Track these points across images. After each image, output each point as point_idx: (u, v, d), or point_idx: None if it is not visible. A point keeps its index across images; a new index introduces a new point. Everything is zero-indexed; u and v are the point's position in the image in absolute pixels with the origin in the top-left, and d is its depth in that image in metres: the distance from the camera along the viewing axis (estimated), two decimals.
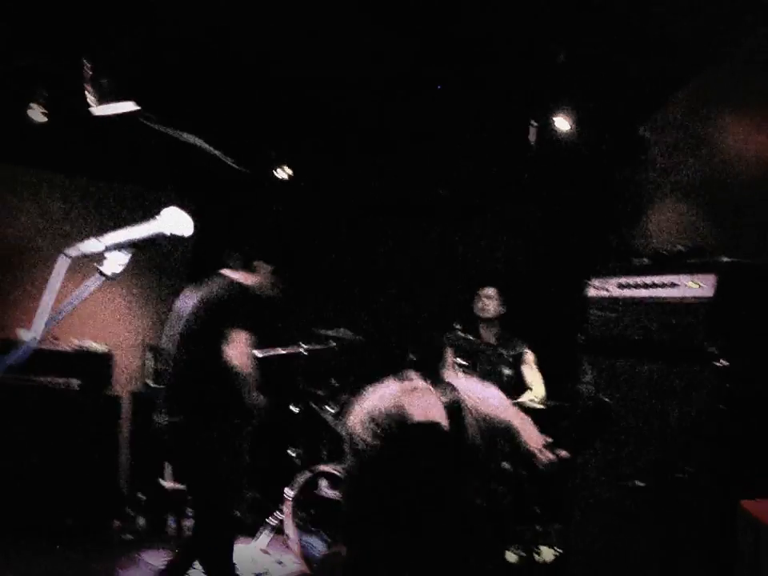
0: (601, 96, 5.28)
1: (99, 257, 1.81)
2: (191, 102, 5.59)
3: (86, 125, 5.40)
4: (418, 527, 3.04)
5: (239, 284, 4.00)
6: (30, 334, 4.89)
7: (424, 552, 3.07)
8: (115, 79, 4.77)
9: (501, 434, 3.19)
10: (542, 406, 5.04)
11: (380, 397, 3.23)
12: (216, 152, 6.25)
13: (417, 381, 3.21)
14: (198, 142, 6.01)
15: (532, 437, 3.13)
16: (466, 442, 3.09)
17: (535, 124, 5.56)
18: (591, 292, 3.95)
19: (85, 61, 4.69)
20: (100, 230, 1.84)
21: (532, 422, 3.23)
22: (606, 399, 3.17)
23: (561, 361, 4.64)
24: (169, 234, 1.86)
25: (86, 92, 4.72)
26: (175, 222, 1.86)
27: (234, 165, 6.30)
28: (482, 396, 3.21)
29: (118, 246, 1.81)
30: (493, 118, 5.62)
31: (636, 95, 5.22)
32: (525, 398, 5.12)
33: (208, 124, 5.96)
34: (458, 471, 3.12)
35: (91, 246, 1.78)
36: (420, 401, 3.11)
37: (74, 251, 1.77)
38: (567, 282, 4.33)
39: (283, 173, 6.40)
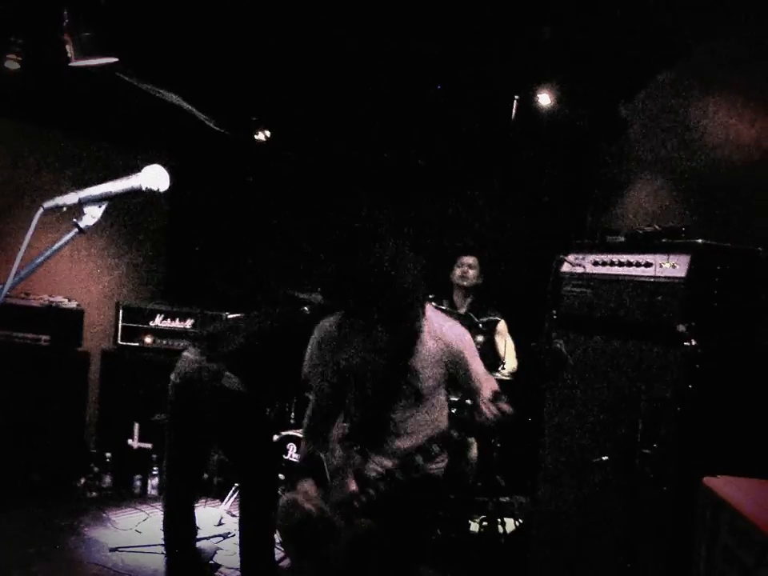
0: (584, 73, 5.28)
1: (75, 209, 1.78)
2: (172, 60, 5.51)
3: (64, 77, 5.32)
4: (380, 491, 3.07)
5: None
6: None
7: (386, 522, 3.09)
8: (96, 32, 4.67)
9: (454, 365, 3.18)
10: (508, 378, 5.08)
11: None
12: (195, 111, 6.18)
13: None
14: (177, 100, 5.93)
15: (484, 384, 3.14)
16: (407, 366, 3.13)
17: (517, 98, 5.57)
18: (565, 267, 3.96)
19: (65, 11, 4.60)
20: (73, 185, 1.82)
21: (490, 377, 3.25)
22: (559, 345, 3.17)
23: (532, 335, 4.68)
24: (145, 189, 1.84)
25: (66, 43, 4.63)
26: (153, 177, 1.84)
27: (212, 125, 6.23)
28: (448, 326, 3.23)
29: (94, 200, 1.79)
30: (475, 90, 5.61)
31: (619, 74, 5.23)
32: (498, 373, 5.17)
33: (188, 82, 5.89)
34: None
35: (67, 198, 1.75)
36: None
37: (50, 203, 1.74)
38: (542, 257, 4.34)
39: (262, 135, 6.36)
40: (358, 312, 3.10)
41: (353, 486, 3.10)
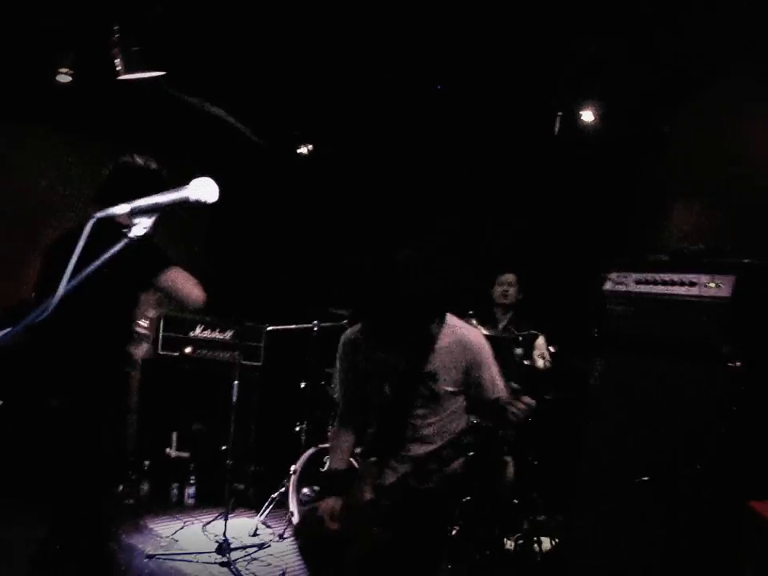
0: (627, 90, 5.26)
1: (125, 220, 1.81)
2: (216, 74, 5.59)
3: (111, 90, 5.43)
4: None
5: None
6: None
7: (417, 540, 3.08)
8: (144, 46, 4.76)
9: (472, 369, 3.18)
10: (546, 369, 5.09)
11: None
12: (238, 124, 6.26)
13: None
14: (221, 113, 6.01)
15: (498, 383, 3.14)
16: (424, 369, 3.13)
17: (560, 114, 5.56)
18: (608, 286, 3.93)
19: (115, 26, 4.69)
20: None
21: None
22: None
23: (573, 353, 4.65)
24: (193, 200, 1.87)
25: (115, 57, 4.72)
26: (202, 189, 1.86)
27: (256, 139, 6.30)
28: (466, 327, 3.25)
29: (144, 210, 1.81)
30: (518, 106, 5.61)
31: (662, 90, 5.19)
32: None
33: (232, 96, 5.97)
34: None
35: (119, 209, 1.79)
36: None
37: (102, 213, 1.77)
38: (585, 275, 4.31)
39: (305, 148, 6.41)
40: (374, 317, 3.15)
41: (368, 496, 3.10)
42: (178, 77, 5.38)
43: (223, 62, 5.41)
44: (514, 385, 3.08)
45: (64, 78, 5.37)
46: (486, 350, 3.22)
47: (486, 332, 5.25)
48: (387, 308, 3.07)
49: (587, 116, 5.51)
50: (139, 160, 3.71)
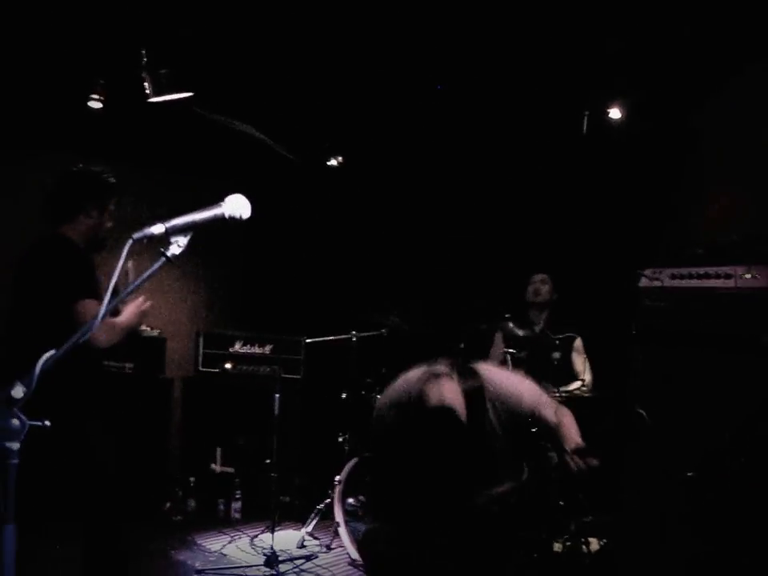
0: (654, 84, 5.23)
1: (162, 239, 1.86)
2: (244, 92, 5.65)
3: (141, 114, 5.52)
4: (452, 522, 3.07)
5: None
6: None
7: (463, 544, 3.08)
8: (172, 68, 4.84)
9: (525, 425, 3.17)
10: (589, 395, 5.03)
11: (404, 381, 3.29)
12: (268, 141, 6.32)
13: (441, 367, 3.22)
14: (249, 129, 6.08)
15: (566, 435, 3.12)
16: (485, 429, 3.10)
17: (587, 113, 5.54)
18: (643, 282, 3.91)
19: (143, 51, 4.78)
20: (152, 216, 1.89)
21: (571, 419, 3.21)
22: (641, 411, 3.12)
23: (611, 350, 4.62)
24: (228, 217, 1.91)
25: (144, 81, 4.81)
26: (236, 205, 1.91)
27: (285, 153, 6.36)
28: (505, 383, 3.22)
29: (180, 229, 1.86)
30: (545, 106, 5.60)
31: (689, 83, 5.16)
32: (573, 387, 5.12)
33: (260, 113, 6.03)
34: (479, 462, 3.12)
35: (155, 229, 1.83)
36: (439, 386, 3.12)
37: (138, 234, 1.82)
38: (619, 272, 4.29)
39: (335, 161, 6.46)
40: None
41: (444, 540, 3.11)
42: (206, 97, 5.45)
43: (249, 79, 5.48)
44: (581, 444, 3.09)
45: (95, 103, 5.47)
46: (538, 395, 3.22)
47: (521, 333, 5.25)
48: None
49: (614, 113, 5.48)
50: (80, 166, 3.73)
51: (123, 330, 3.68)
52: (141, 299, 3.71)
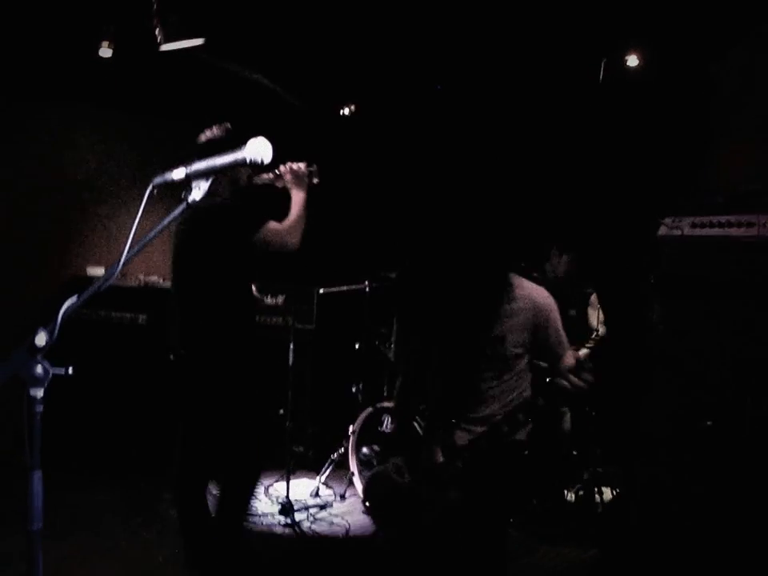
0: (673, 31, 5.12)
1: (183, 184, 1.82)
2: (255, 39, 5.56)
3: (152, 62, 5.44)
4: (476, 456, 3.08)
5: None
6: (99, 270, 4.95)
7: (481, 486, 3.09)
8: (182, 15, 4.76)
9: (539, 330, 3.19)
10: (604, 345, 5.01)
11: None
12: (279, 89, 6.23)
13: None
14: (262, 79, 5.99)
15: (568, 354, 3.17)
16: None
17: (604, 60, 5.44)
18: (663, 231, 3.86)
19: None
20: (162, 166, 1.86)
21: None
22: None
23: (629, 301, 4.58)
24: (249, 161, 1.87)
25: (155, 28, 4.73)
26: (257, 149, 1.86)
27: (296, 102, 6.27)
28: (530, 287, 3.26)
29: (201, 174, 1.82)
30: (561, 52, 5.50)
31: (710, 29, 5.05)
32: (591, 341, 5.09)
33: (271, 61, 5.94)
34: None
35: (176, 173, 1.79)
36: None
37: (159, 179, 1.79)
38: (637, 222, 4.24)
39: (347, 109, 6.37)
40: (439, 280, 3.19)
41: (439, 458, 3.12)
42: (216, 45, 5.36)
43: (260, 27, 5.38)
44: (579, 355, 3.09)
45: (105, 51, 5.39)
46: (555, 310, 3.28)
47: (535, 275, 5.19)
48: (452, 269, 3.11)
49: (632, 60, 5.38)
50: (217, 131, 3.80)
51: (298, 211, 3.84)
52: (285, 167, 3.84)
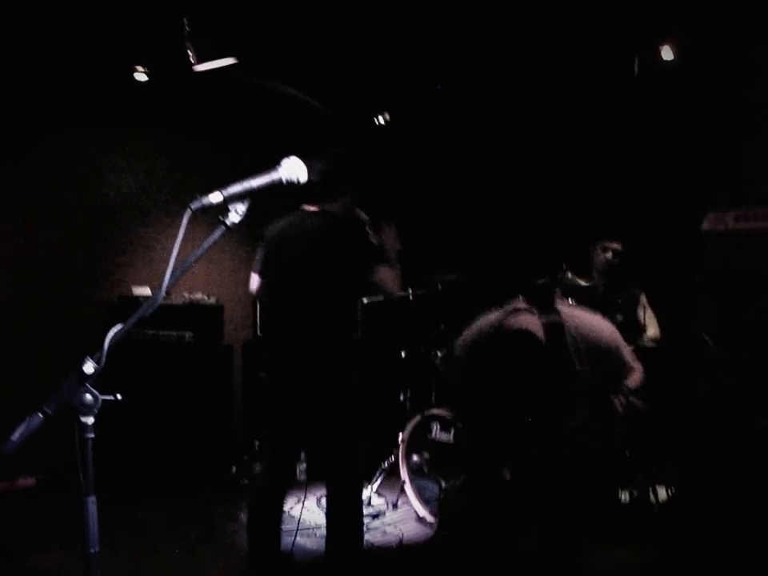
0: (708, 19, 5.03)
1: (220, 207, 1.83)
2: (288, 55, 5.60)
3: (186, 83, 5.52)
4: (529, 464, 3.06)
5: None
6: (144, 289, 5.08)
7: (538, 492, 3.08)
8: (213, 36, 4.82)
9: (604, 359, 3.13)
10: (655, 346, 4.93)
11: (484, 319, 3.30)
12: (314, 102, 6.27)
13: (520, 303, 3.22)
14: (296, 93, 6.03)
15: (632, 377, 3.11)
16: (564, 358, 3.07)
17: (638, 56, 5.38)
18: (706, 226, 3.81)
19: (185, 20, 4.76)
20: (202, 186, 1.88)
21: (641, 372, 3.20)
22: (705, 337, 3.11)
23: (677, 299, 4.51)
24: (285, 181, 1.88)
25: (187, 50, 4.80)
26: (292, 169, 1.88)
27: (331, 114, 6.30)
28: (586, 320, 3.19)
29: (238, 196, 1.83)
30: (594, 50, 5.44)
31: (748, 15, 4.95)
32: (641, 340, 5.01)
33: (304, 76, 5.99)
34: (558, 395, 3.10)
35: (213, 197, 1.81)
36: (518, 318, 3.12)
37: (197, 203, 1.80)
38: (680, 217, 4.18)
39: (382, 118, 6.37)
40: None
41: (507, 476, 3.12)
42: (249, 62, 5.42)
43: (291, 41, 5.42)
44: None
45: (141, 76, 5.49)
46: (613, 340, 3.21)
47: (583, 283, 5.13)
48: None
49: (666, 53, 5.30)
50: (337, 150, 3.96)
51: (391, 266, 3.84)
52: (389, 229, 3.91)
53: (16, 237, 6.10)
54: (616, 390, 3.11)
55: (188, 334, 6.16)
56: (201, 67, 4.94)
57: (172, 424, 5.99)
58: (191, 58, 4.89)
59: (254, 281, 4.07)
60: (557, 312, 3.14)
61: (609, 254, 5.25)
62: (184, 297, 6.37)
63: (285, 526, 5.02)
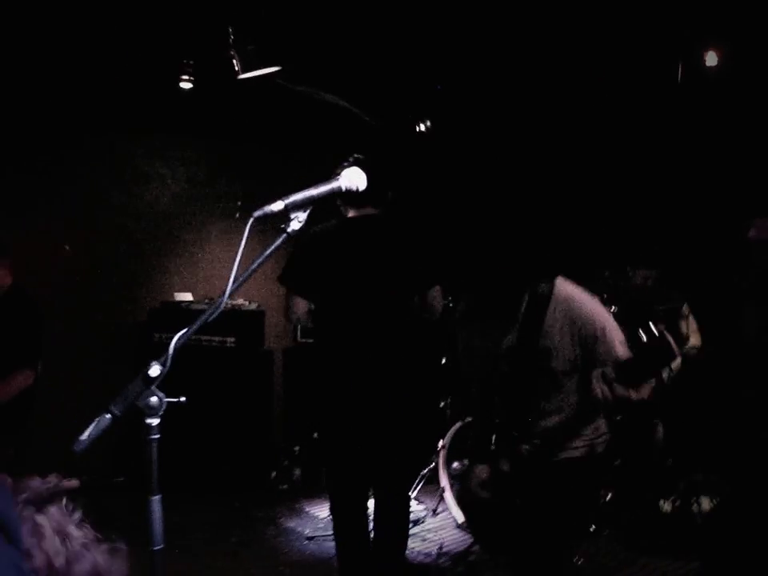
0: (752, 26, 4.99)
1: (281, 216, 1.87)
2: (330, 63, 5.66)
3: (231, 91, 5.59)
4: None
5: None
6: (186, 295, 5.06)
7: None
8: (258, 44, 4.88)
9: (589, 337, 3.05)
10: (697, 354, 4.90)
11: None
12: (352, 108, 6.31)
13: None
14: (339, 101, 6.08)
15: (618, 349, 3.03)
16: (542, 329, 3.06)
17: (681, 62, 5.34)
18: (753, 233, 3.78)
19: (229, 28, 4.82)
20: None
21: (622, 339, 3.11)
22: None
23: (721, 308, 4.47)
24: (345, 190, 1.91)
25: (233, 59, 4.86)
26: (353, 177, 1.91)
27: (373, 122, 6.34)
28: (582, 300, 3.14)
29: (299, 205, 1.87)
30: (637, 56, 5.42)
31: None
32: (683, 349, 4.96)
33: (345, 84, 6.03)
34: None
35: (275, 206, 1.84)
36: None
37: (259, 212, 1.84)
38: (724, 225, 4.15)
39: (423, 126, 6.40)
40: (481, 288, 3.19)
41: (505, 468, 3.12)
42: (291, 70, 5.47)
43: (332, 48, 5.47)
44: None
45: (186, 84, 5.57)
46: (599, 321, 3.06)
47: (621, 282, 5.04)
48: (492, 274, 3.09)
49: (711, 59, 5.26)
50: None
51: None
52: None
53: (63, 241, 6.20)
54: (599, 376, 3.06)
55: (230, 340, 6.22)
56: (245, 75, 4.99)
57: (213, 429, 6.05)
58: (236, 66, 4.94)
59: (300, 304, 3.82)
60: (551, 285, 3.10)
61: (646, 281, 5.12)
62: (226, 303, 6.40)
63: (326, 532, 5.10)
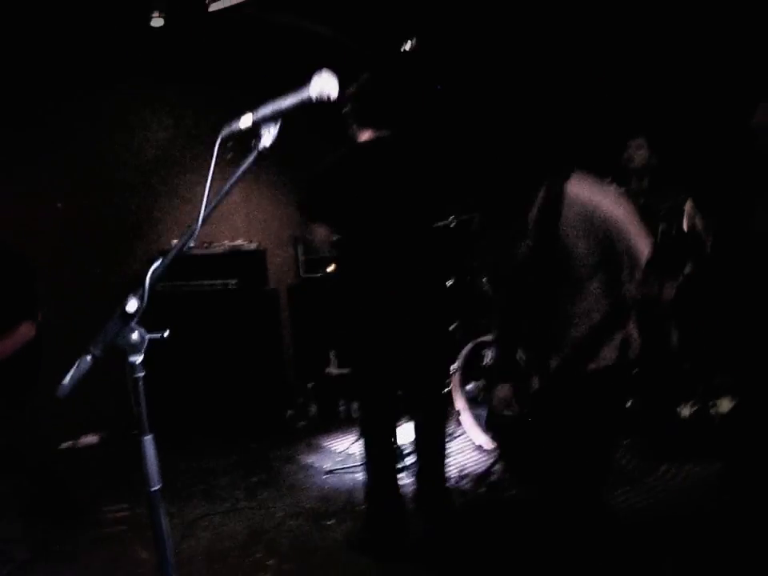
0: None
1: (251, 132, 1.75)
2: None
3: (204, 26, 5.42)
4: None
5: None
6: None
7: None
8: None
9: (610, 240, 2.85)
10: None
11: None
12: (336, 35, 6.13)
13: None
14: (315, 27, 5.90)
15: (642, 247, 2.81)
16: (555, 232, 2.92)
17: None
18: (758, 118, 3.59)
19: None
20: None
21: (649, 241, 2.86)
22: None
23: (728, 202, 4.31)
24: (315, 99, 1.78)
25: None
26: (322, 85, 1.77)
27: (354, 44, 6.15)
28: (596, 193, 2.93)
29: (268, 118, 1.75)
30: None
31: None
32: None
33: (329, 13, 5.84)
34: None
35: (242, 121, 1.73)
36: None
37: (226, 130, 1.73)
38: (728, 112, 3.97)
39: (408, 44, 6.21)
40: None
41: (536, 384, 3.02)
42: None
43: None
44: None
45: (158, 21, 5.39)
46: (620, 218, 2.82)
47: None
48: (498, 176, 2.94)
49: None
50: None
51: None
52: None
53: (59, 197, 6.08)
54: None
55: (232, 282, 6.13)
56: (216, 6, 4.80)
57: (224, 372, 6.01)
58: None
59: (320, 232, 3.89)
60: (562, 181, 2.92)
61: (630, 152, 5.06)
62: (225, 245, 6.32)
63: (345, 465, 5.09)
